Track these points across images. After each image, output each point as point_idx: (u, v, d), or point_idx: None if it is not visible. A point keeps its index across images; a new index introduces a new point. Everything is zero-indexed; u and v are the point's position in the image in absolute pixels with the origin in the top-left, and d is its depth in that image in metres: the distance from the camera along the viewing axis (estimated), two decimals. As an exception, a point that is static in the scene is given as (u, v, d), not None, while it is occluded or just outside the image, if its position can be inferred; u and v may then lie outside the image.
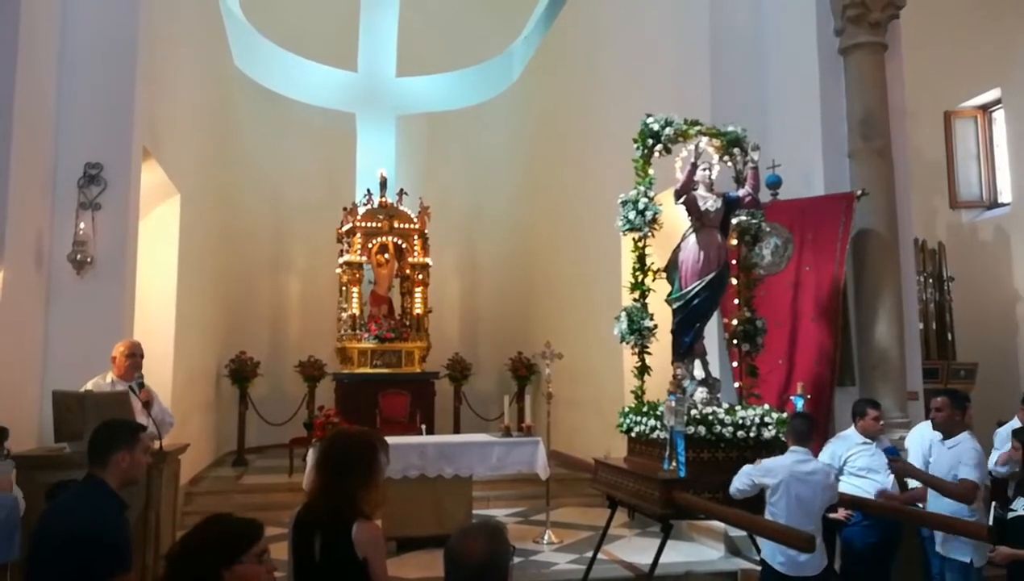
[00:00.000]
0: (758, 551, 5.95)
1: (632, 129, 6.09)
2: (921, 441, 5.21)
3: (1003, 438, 5.44)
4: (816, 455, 5.09)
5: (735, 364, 6.22)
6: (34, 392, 5.80)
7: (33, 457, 4.85)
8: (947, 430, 4.54)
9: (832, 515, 4.87)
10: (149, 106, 6.88)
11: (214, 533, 2.09)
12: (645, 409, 5.82)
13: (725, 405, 5.66)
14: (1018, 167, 9.38)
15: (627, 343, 5.95)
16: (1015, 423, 5.33)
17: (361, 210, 11.44)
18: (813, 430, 4.68)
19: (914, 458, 5.15)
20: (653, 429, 5.58)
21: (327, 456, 2.76)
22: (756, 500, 4.93)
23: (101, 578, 2.68)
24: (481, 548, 1.99)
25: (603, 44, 10.25)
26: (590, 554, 6.10)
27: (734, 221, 6.00)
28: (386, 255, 11.75)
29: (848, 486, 5.02)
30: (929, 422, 4.90)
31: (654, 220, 5.87)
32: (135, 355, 5.25)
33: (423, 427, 9.29)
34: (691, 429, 5.23)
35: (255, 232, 12.59)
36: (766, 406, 5.69)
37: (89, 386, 5.12)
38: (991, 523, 4.39)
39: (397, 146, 13.51)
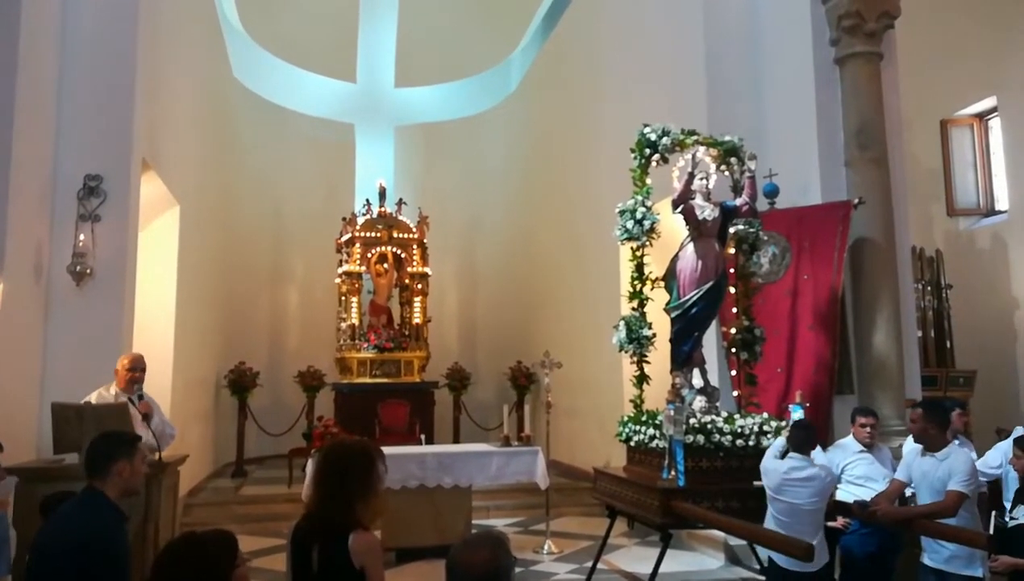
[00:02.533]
0: (758, 560, 5.97)
1: (629, 139, 6.13)
2: (912, 451, 5.16)
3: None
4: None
5: (733, 373, 6.23)
6: (33, 404, 5.79)
7: (32, 469, 4.84)
8: (923, 442, 4.48)
9: (831, 523, 4.86)
10: (148, 118, 6.90)
11: (216, 541, 2.14)
12: (644, 418, 5.83)
13: (724, 414, 5.67)
14: (1015, 174, 9.40)
15: (626, 352, 5.97)
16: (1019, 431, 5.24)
17: (360, 220, 11.47)
18: (812, 440, 4.67)
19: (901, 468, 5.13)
20: (652, 438, 5.59)
21: (324, 467, 2.75)
22: (756, 509, 4.95)
23: (100, 590, 2.68)
24: (484, 558, 1.97)
25: (600, 55, 10.30)
26: (590, 564, 6.10)
27: (732, 230, 6.03)
28: (385, 265, 11.77)
29: (846, 495, 4.99)
30: None
31: (652, 229, 5.92)
32: (135, 369, 5.27)
33: (422, 437, 9.28)
34: (690, 438, 5.25)
35: (254, 242, 12.60)
36: (765, 415, 5.70)
37: (92, 397, 5.13)
38: (991, 532, 4.35)
39: (396, 156, 13.53)
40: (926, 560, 4.47)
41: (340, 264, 11.52)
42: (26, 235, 5.75)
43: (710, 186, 5.93)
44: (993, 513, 4.54)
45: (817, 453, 4.85)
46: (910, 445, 5.39)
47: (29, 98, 5.71)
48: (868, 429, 5.12)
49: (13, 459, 4.85)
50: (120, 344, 6.07)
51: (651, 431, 5.62)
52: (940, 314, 9.11)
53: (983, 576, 4.26)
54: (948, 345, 9.01)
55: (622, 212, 5.97)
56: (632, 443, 5.93)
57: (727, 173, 6.10)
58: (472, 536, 2.16)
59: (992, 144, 10.03)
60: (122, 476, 2.92)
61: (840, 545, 5.09)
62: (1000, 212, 9.80)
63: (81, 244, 6.09)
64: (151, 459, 4.63)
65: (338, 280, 11.52)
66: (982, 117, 10.12)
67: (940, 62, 9.51)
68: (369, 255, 11.49)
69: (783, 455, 4.67)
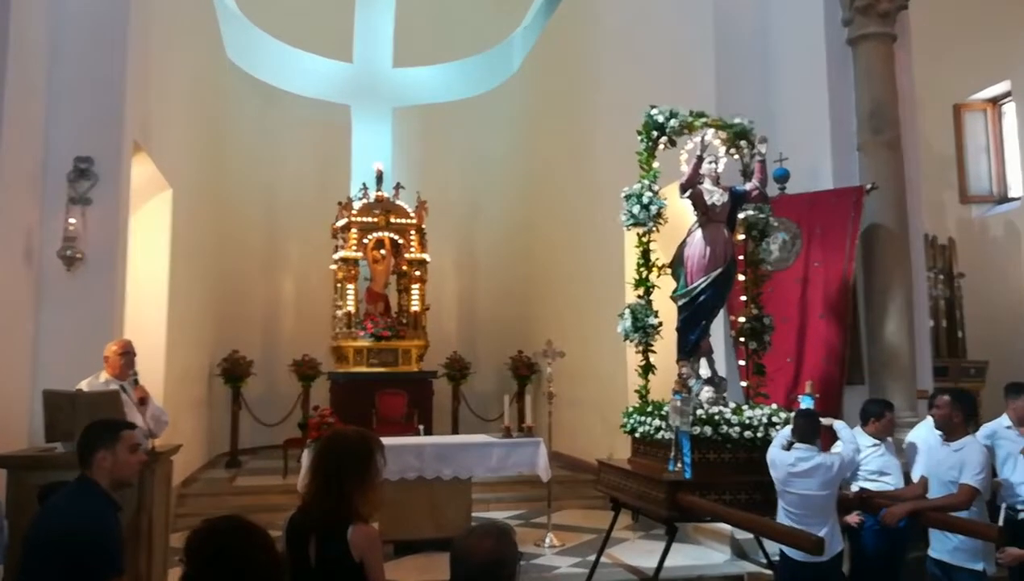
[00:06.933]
0: (765, 554, 5.87)
1: (636, 121, 6.01)
2: (924, 441, 5.06)
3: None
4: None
5: (742, 362, 6.14)
6: (24, 391, 5.70)
7: (24, 457, 4.74)
8: (946, 429, 4.45)
9: (847, 518, 4.76)
10: (140, 99, 6.78)
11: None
12: (650, 409, 5.74)
13: (732, 404, 5.57)
14: (1028, 161, 9.27)
15: (631, 341, 5.88)
16: (1004, 420, 5.08)
17: (356, 205, 11.31)
18: (817, 427, 4.60)
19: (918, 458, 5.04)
20: (658, 429, 5.51)
21: (323, 458, 2.74)
22: (763, 502, 4.85)
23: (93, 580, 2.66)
24: (488, 548, 1.99)
25: (605, 34, 10.11)
26: (593, 557, 6.02)
27: (741, 215, 5.91)
28: (382, 251, 11.61)
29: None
30: (928, 420, 4.81)
31: (659, 214, 5.82)
32: (128, 353, 5.20)
33: (421, 427, 9.18)
34: (697, 429, 5.16)
35: (248, 227, 12.43)
36: (774, 406, 5.62)
37: (82, 385, 5.03)
38: (1001, 524, 4.29)
39: (393, 139, 13.38)
40: (931, 552, 4.47)
41: (336, 250, 11.38)
42: (16, 219, 5.64)
43: (719, 170, 5.81)
44: (1004, 506, 4.49)
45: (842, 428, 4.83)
46: (915, 435, 5.26)
47: (19, 78, 5.57)
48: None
49: (4, 447, 4.80)
50: (112, 330, 5.96)
51: (657, 422, 5.53)
52: (952, 303, 9.00)
53: (984, 570, 4.23)
54: (960, 335, 8.90)
55: (628, 197, 5.86)
56: (637, 434, 5.85)
57: (737, 157, 5.99)
58: (478, 526, 2.16)
59: (1006, 130, 9.89)
60: (103, 467, 2.88)
61: (850, 540, 4.99)
62: (1013, 199, 9.71)
63: (72, 228, 5.97)
64: (146, 447, 4.52)
65: (334, 266, 11.39)
66: (996, 102, 9.98)
67: (953, 45, 9.36)
68: (366, 241, 11.33)
69: (789, 445, 4.59)
